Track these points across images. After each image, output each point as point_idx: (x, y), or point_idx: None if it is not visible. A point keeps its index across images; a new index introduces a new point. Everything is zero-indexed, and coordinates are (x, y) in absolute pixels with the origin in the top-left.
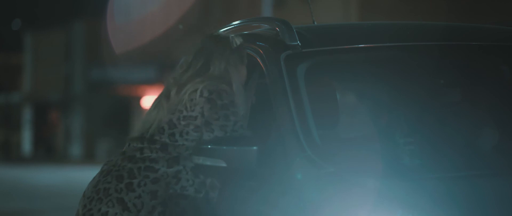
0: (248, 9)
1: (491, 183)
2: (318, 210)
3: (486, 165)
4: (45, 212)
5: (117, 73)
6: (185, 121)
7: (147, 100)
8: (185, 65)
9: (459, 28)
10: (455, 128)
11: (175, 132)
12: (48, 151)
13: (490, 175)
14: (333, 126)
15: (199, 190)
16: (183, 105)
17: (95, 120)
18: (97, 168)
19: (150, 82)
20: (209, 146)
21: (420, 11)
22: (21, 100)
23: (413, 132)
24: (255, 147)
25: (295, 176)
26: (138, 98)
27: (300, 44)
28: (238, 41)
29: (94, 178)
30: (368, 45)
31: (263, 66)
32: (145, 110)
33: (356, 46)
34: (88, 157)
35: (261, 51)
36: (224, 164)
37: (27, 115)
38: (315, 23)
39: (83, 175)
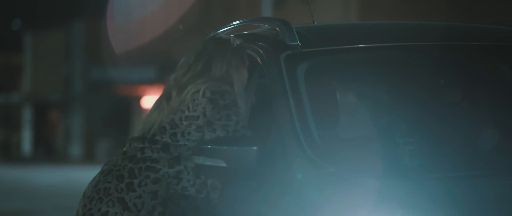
0: (248, 9)
1: (491, 183)
2: (318, 210)
3: (486, 165)
4: (45, 212)
5: (117, 73)
6: (187, 121)
7: (147, 100)
8: (186, 67)
9: (459, 28)
10: (455, 128)
11: (177, 132)
12: (48, 151)
13: (490, 175)
14: (333, 126)
15: (200, 190)
16: (185, 105)
17: (95, 120)
18: (97, 168)
19: (150, 82)
20: (209, 146)
21: (420, 11)
22: (21, 100)
23: (413, 132)
24: (255, 147)
25: (295, 176)
26: (138, 98)
27: (300, 44)
28: (239, 43)
29: (94, 178)
30: (368, 45)
31: (263, 66)
32: (145, 110)
33: (356, 46)
34: (88, 157)
35: (261, 51)
36: (224, 164)
37: (27, 115)
38: (315, 23)
39: (83, 175)
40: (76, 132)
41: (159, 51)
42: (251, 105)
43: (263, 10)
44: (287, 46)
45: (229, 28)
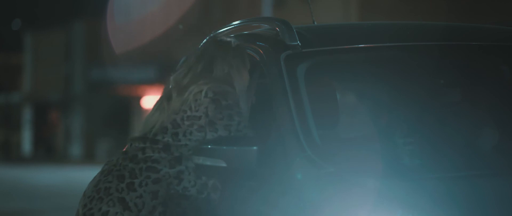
0: (248, 9)
1: (491, 183)
2: (318, 210)
3: (486, 165)
4: (45, 212)
5: (117, 73)
6: (189, 121)
7: (147, 100)
8: (186, 68)
9: (459, 28)
10: (455, 128)
11: (179, 132)
12: (48, 151)
13: (490, 175)
14: (333, 126)
15: (201, 191)
16: (188, 106)
17: (95, 120)
18: (97, 168)
19: (150, 82)
20: (209, 146)
21: (420, 11)
22: (21, 100)
23: (413, 132)
24: (255, 147)
25: (295, 176)
26: (138, 98)
27: (300, 44)
28: (239, 45)
29: (95, 177)
30: (368, 45)
31: (263, 66)
32: (145, 110)
33: (356, 46)
34: (88, 157)
35: (261, 51)
36: (224, 164)
37: (27, 115)
38: (315, 23)
39: (83, 175)
40: (76, 132)
41: (159, 51)
42: (251, 105)
43: (263, 10)
44: (287, 46)
45: (229, 28)
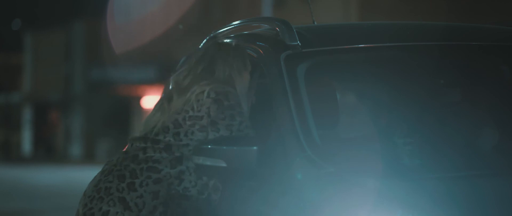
0: (248, 9)
1: (491, 183)
2: (318, 210)
3: (486, 165)
4: (45, 212)
5: (117, 73)
6: (190, 121)
7: (147, 100)
8: (186, 70)
9: (459, 28)
10: (455, 128)
11: (180, 132)
12: (48, 151)
13: (490, 175)
14: (333, 126)
15: (201, 191)
16: (190, 106)
17: (95, 120)
18: (97, 168)
19: (150, 82)
20: (209, 146)
21: (420, 11)
22: (21, 100)
23: (413, 132)
24: (255, 147)
25: (295, 176)
26: (138, 98)
27: (300, 44)
28: (240, 47)
29: (95, 177)
30: (368, 45)
31: (263, 66)
32: (145, 110)
33: (356, 46)
34: (88, 157)
35: (261, 51)
36: (224, 164)
37: (27, 115)
38: (315, 23)
39: (83, 175)
40: (76, 132)
41: (159, 51)
42: (251, 105)
43: (263, 10)
44: (287, 46)
45: (229, 28)
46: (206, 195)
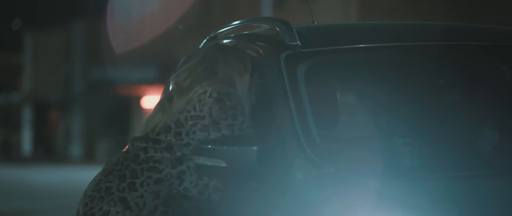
0: (248, 9)
1: (491, 183)
2: (318, 210)
3: (486, 165)
4: (45, 212)
5: (117, 73)
6: (192, 120)
7: (147, 100)
8: (187, 72)
9: (459, 28)
10: (455, 128)
11: (182, 131)
12: (48, 151)
13: (490, 175)
14: (333, 126)
15: (202, 192)
16: (192, 106)
17: (95, 120)
18: (97, 168)
19: (150, 82)
20: (210, 146)
21: (420, 11)
22: (21, 100)
23: (413, 132)
24: (255, 147)
25: (295, 176)
26: (138, 98)
27: (300, 44)
28: (241, 49)
29: (95, 177)
30: (368, 45)
31: (263, 66)
32: (145, 110)
33: (356, 46)
34: (88, 157)
35: (261, 51)
36: (224, 164)
37: (27, 115)
38: (315, 23)
39: (83, 175)
40: (76, 132)
41: (159, 51)
42: (251, 105)
43: (263, 10)
44: (287, 46)
45: (229, 28)
46: (207, 195)
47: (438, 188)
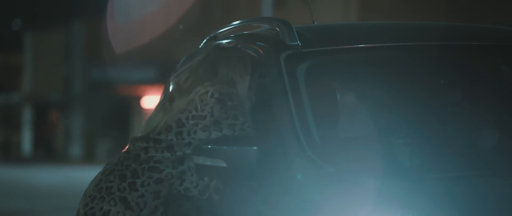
0: (248, 9)
1: (491, 183)
2: (318, 210)
3: (486, 165)
4: (45, 212)
5: (117, 73)
6: (193, 120)
7: (147, 100)
8: (187, 73)
9: (459, 28)
10: (455, 128)
11: (183, 131)
12: (48, 151)
13: (490, 175)
14: (333, 126)
15: (203, 192)
16: (193, 105)
17: (95, 120)
18: (97, 168)
19: (150, 82)
20: (210, 146)
21: (420, 11)
22: (21, 100)
23: (413, 132)
24: (255, 147)
25: (295, 176)
26: (138, 98)
27: (300, 44)
28: (241, 51)
29: (96, 177)
30: (368, 45)
31: (263, 66)
32: (145, 110)
33: (356, 46)
34: (88, 157)
35: (261, 51)
36: (224, 164)
37: (27, 115)
38: (315, 23)
39: (83, 175)
40: (76, 132)
41: (159, 51)
42: (251, 105)
43: (263, 10)
44: (287, 46)
45: (229, 28)
46: (207, 195)
47: (438, 188)
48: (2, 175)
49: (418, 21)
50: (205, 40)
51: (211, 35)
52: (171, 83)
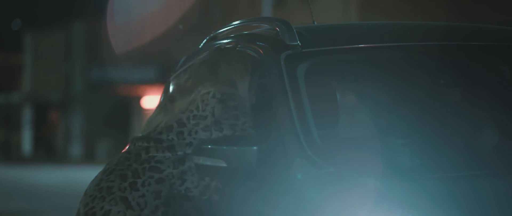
0: (248, 9)
1: (491, 183)
2: (318, 210)
3: (486, 165)
4: (45, 212)
5: (117, 73)
6: (194, 120)
7: (147, 100)
8: (188, 73)
9: (459, 28)
10: (455, 128)
11: (184, 131)
12: (48, 151)
13: (490, 175)
14: (333, 126)
15: (203, 192)
16: (195, 105)
17: (95, 120)
18: (97, 168)
19: (150, 82)
20: (209, 146)
21: (420, 11)
22: (21, 100)
23: (413, 132)
24: (255, 147)
25: (295, 176)
26: (138, 98)
27: (300, 44)
28: (242, 52)
29: (96, 177)
30: (368, 45)
31: (263, 66)
32: (145, 110)
33: (356, 46)
34: (88, 157)
35: (261, 51)
36: (224, 164)
37: (27, 115)
38: (315, 23)
39: (83, 175)
40: (76, 132)
41: (159, 51)
42: (251, 105)
43: (263, 10)
44: (287, 46)
45: (229, 28)
46: (208, 196)
47: (438, 188)
48: (2, 175)
49: (418, 21)
50: (205, 40)
51: (211, 35)
52: (171, 83)
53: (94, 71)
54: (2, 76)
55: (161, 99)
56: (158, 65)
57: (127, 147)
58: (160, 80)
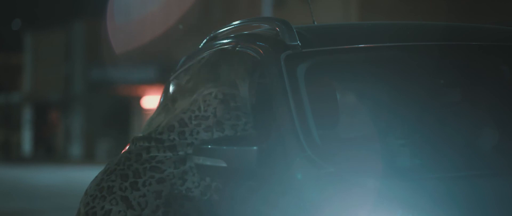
0: (248, 9)
1: (491, 183)
2: (318, 210)
3: (486, 165)
4: (45, 212)
5: (117, 73)
6: (196, 120)
7: (147, 100)
8: (189, 74)
9: (459, 28)
10: (455, 128)
11: (185, 131)
12: (48, 151)
13: (490, 175)
14: (333, 126)
15: (204, 192)
16: (196, 106)
17: (95, 120)
18: (97, 168)
19: (150, 82)
20: (209, 146)
21: (420, 11)
22: (21, 100)
23: (413, 132)
24: (255, 147)
25: (295, 176)
26: (138, 98)
27: (300, 44)
28: (242, 53)
29: (97, 176)
30: (368, 45)
31: (263, 66)
32: (145, 110)
33: (356, 46)
34: (88, 157)
35: (261, 51)
36: (224, 164)
37: (27, 115)
38: (315, 23)
39: (83, 175)
40: (76, 132)
41: (159, 51)
42: (251, 105)
43: (263, 10)
44: (287, 46)
45: (229, 28)
46: (208, 196)
47: (438, 188)
48: (2, 175)
49: (418, 21)
50: (205, 40)
51: (211, 35)
52: (171, 83)
53: (94, 71)
54: (2, 76)
55: (162, 99)
56: (158, 65)
57: (127, 147)
58: (160, 80)
